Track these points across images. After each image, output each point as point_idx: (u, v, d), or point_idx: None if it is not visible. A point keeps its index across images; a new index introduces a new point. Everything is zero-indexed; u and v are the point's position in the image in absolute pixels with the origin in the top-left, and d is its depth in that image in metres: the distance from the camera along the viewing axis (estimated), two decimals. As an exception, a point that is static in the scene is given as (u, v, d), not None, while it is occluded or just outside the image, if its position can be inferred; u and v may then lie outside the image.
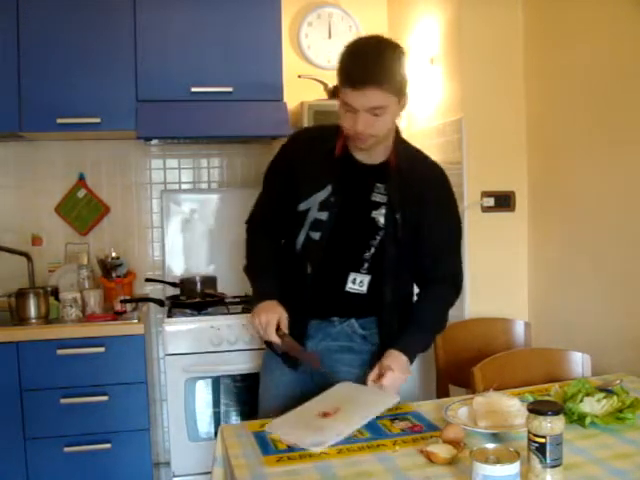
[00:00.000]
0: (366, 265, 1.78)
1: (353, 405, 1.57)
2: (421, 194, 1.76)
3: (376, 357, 1.75)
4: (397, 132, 1.76)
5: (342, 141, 1.75)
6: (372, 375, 1.67)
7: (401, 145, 1.78)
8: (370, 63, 1.55)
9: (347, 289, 1.79)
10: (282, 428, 1.51)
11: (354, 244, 1.78)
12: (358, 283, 1.78)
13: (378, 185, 1.76)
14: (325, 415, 1.53)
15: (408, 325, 1.77)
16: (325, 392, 1.67)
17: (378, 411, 1.56)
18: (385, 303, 1.79)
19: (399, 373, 1.65)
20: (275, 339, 1.70)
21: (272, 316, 1.70)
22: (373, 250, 1.77)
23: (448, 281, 1.84)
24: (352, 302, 1.81)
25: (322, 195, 1.75)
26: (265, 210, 1.90)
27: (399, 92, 1.60)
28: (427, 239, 1.78)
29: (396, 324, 1.80)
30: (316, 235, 1.77)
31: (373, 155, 1.75)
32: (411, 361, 1.71)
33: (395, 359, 1.68)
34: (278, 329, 1.70)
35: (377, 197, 1.76)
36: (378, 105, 1.56)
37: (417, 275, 1.87)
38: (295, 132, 2.01)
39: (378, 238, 1.77)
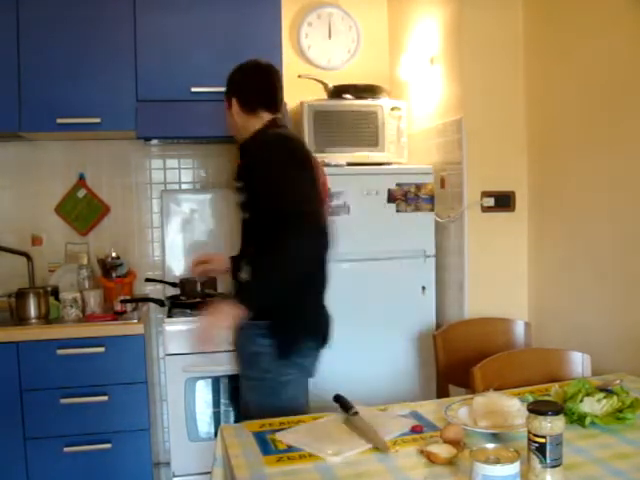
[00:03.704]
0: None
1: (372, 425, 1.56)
2: (246, 164, 1.91)
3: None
4: (265, 125, 1.96)
5: None
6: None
7: (258, 132, 1.96)
8: None
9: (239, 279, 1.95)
10: (297, 438, 1.52)
11: (242, 230, 1.98)
12: (244, 272, 1.89)
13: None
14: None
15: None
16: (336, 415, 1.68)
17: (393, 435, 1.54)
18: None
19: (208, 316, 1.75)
20: None
21: None
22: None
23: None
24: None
25: None
26: None
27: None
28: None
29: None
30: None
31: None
32: (244, 304, 1.73)
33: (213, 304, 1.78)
34: None
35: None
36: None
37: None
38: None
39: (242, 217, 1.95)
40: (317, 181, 1.90)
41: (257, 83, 2.02)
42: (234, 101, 2.00)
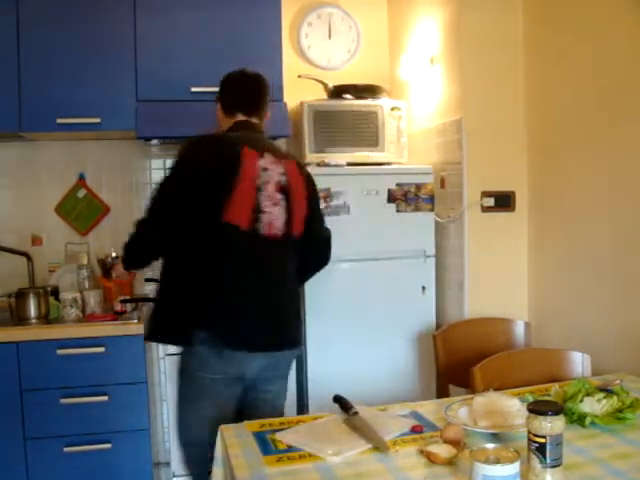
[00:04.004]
0: None
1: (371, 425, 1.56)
2: None
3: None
4: (230, 127, 2.11)
5: None
6: None
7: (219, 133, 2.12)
8: None
9: None
10: (297, 438, 1.52)
11: None
12: None
13: None
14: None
15: None
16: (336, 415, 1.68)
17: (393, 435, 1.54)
18: None
19: None
20: None
21: None
22: None
23: None
24: None
25: None
26: None
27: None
28: None
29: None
30: None
31: None
32: None
33: None
34: None
35: None
36: None
37: None
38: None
39: None
40: (210, 190, 1.88)
41: (237, 88, 2.12)
42: (218, 105, 2.15)
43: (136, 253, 2.00)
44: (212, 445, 1.82)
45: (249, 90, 2.12)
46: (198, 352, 1.90)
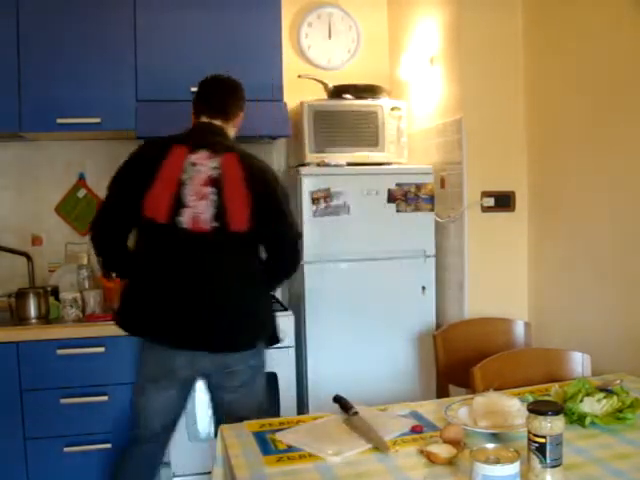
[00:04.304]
0: None
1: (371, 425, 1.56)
2: None
3: None
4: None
5: None
6: None
7: None
8: None
9: None
10: (297, 438, 1.52)
11: None
12: None
13: None
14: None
15: None
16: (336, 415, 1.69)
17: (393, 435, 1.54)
18: None
19: None
20: None
21: None
22: None
23: None
24: None
25: None
26: None
27: None
28: None
29: None
30: None
31: None
32: None
33: None
34: None
35: None
36: None
37: None
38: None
39: None
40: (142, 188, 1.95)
41: (204, 91, 2.16)
42: (193, 108, 2.17)
43: (98, 253, 2.12)
44: (151, 429, 2.05)
45: (214, 93, 2.14)
46: (140, 342, 2.06)
